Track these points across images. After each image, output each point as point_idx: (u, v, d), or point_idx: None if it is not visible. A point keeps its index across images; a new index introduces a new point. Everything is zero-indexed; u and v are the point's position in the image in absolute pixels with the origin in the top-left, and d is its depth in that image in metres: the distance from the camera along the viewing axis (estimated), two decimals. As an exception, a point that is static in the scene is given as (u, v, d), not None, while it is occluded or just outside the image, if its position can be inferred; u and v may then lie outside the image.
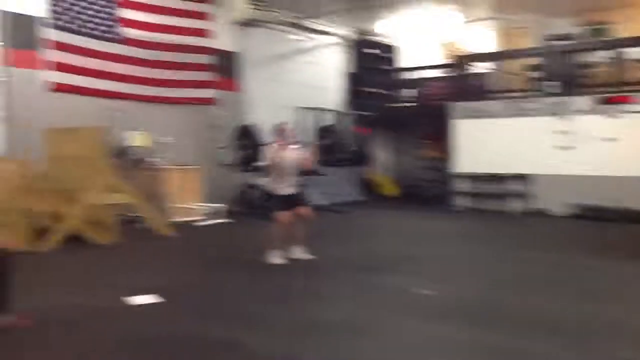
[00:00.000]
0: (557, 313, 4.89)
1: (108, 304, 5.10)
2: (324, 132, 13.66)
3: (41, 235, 7.74)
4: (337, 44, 16.28)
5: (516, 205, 12.65)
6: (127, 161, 10.66)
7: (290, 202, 6.93)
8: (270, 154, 6.95)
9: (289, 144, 7.02)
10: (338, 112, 15.00)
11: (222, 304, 5.24)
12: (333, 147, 7.70)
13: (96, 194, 8.04)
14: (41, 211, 8.52)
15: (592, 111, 11.76)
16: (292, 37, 14.54)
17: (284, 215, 6.82)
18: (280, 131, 7.07)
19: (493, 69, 13.82)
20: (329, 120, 14.68)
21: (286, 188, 6.95)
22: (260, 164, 7.51)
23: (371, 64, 17.42)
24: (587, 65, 12.85)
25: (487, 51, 15.21)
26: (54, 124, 9.23)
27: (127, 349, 4.01)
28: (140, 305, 5.06)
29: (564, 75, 12.46)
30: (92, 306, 5.06)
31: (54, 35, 10.07)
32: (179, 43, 12.17)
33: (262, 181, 7.19)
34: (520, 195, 12.60)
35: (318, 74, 15.56)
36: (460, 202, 13.41)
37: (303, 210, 7.03)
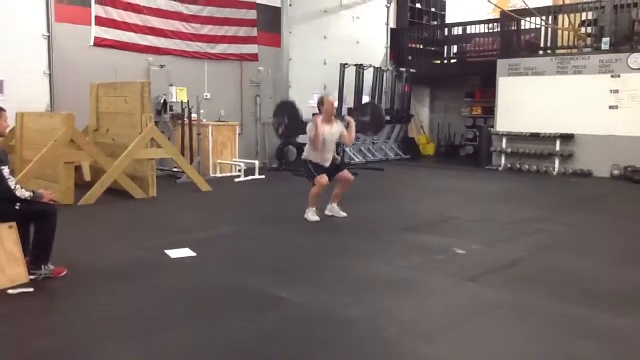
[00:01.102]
0: (594, 277, 4.81)
1: (148, 257, 5.23)
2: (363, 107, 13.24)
3: (84, 188, 7.97)
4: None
5: (558, 166, 12.36)
6: (167, 116, 10.81)
7: (329, 170, 6.93)
8: (311, 129, 6.83)
9: (330, 117, 6.93)
10: (381, 69, 14.73)
11: (260, 259, 5.30)
12: (373, 119, 7.68)
13: (138, 149, 8.18)
14: (84, 165, 8.78)
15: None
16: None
17: (323, 178, 6.80)
18: (321, 104, 6.95)
19: (542, 25, 13.27)
20: (371, 77, 14.39)
21: (325, 162, 6.91)
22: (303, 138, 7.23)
23: (416, 20, 17.02)
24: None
25: (535, 5, 14.60)
26: (97, 79, 9.38)
27: (169, 301, 4.10)
28: (179, 258, 5.17)
29: (618, 31, 11.90)
30: (133, 258, 5.20)
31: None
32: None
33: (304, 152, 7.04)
34: (562, 156, 12.28)
35: (362, 29, 15.27)
36: (500, 161, 13.18)
37: (343, 174, 7.04)
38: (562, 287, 4.51)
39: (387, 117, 13.83)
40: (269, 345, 3.35)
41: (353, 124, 7.24)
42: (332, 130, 6.91)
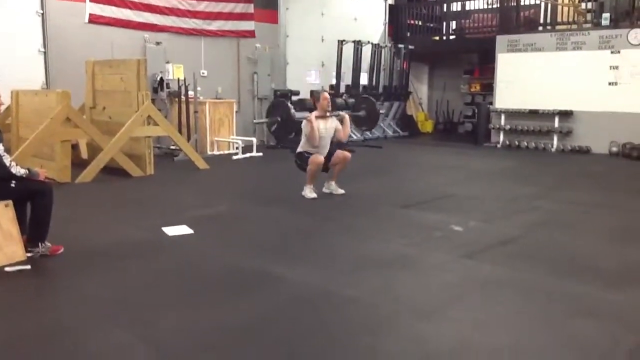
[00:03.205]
0: (591, 253, 4.82)
1: (145, 235, 5.23)
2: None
3: (80, 166, 7.94)
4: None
5: (556, 143, 12.34)
6: (164, 94, 10.74)
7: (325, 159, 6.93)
8: (306, 125, 6.81)
9: (325, 113, 6.92)
10: (379, 46, 14.59)
11: (257, 238, 5.29)
12: (368, 114, 7.69)
13: (134, 126, 8.13)
14: (81, 143, 8.74)
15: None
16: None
17: (317, 157, 6.78)
18: (317, 100, 6.97)
19: (541, 0, 13.13)
20: (369, 54, 14.27)
21: (320, 155, 6.85)
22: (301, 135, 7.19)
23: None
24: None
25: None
26: (93, 56, 9.27)
27: (165, 280, 4.10)
28: (176, 236, 5.17)
29: (618, 6, 11.79)
30: (130, 236, 5.19)
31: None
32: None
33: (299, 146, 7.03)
34: (561, 133, 12.25)
35: (360, 6, 15.10)
36: (498, 138, 13.15)
37: (338, 155, 6.99)
38: (560, 264, 4.52)
39: (382, 111, 13.57)
40: (266, 325, 3.34)
41: (347, 118, 7.24)
42: (327, 126, 6.92)
